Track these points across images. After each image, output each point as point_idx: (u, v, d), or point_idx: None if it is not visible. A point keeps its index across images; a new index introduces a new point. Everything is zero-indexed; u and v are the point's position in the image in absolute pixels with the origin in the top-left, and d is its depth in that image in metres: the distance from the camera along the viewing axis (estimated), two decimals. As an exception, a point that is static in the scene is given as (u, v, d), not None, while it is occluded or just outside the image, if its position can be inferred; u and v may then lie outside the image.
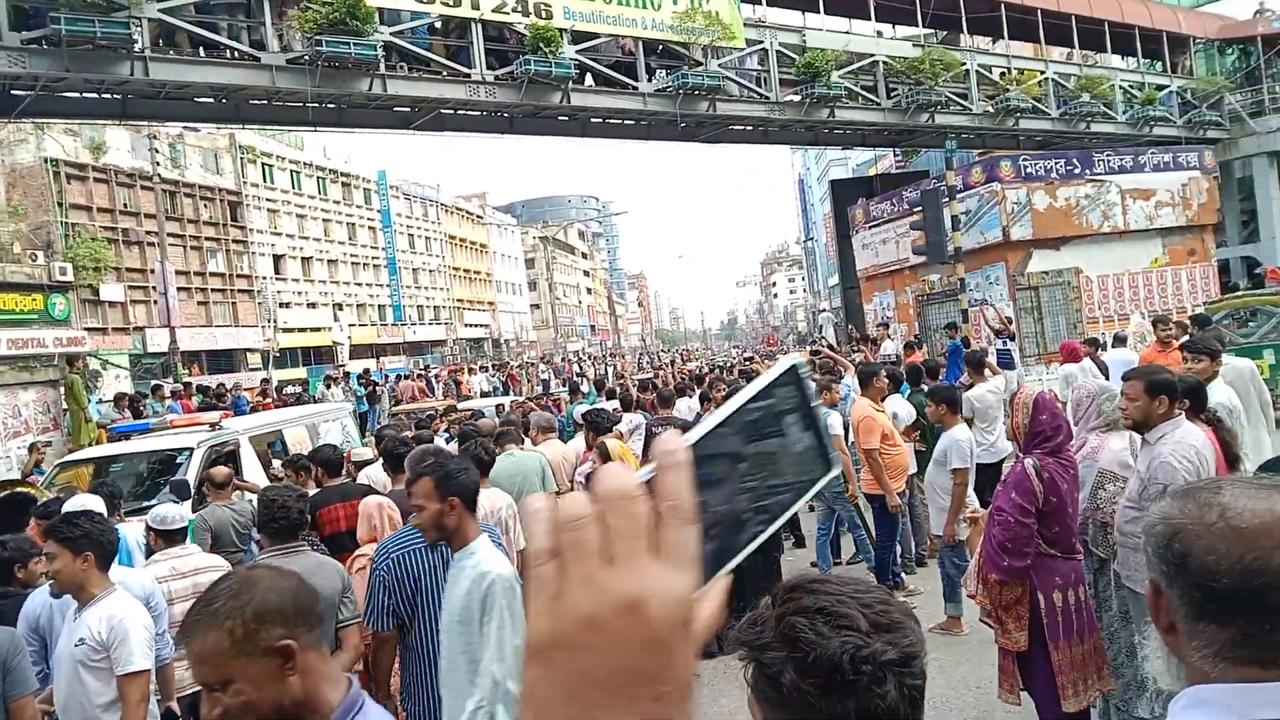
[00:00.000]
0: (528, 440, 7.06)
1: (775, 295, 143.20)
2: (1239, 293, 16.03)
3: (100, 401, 17.94)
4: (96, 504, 5.75)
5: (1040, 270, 15.82)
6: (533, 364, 38.47)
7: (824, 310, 29.48)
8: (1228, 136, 26.06)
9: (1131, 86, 24.73)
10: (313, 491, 6.52)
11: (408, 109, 17.19)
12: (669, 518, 0.52)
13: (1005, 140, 23.90)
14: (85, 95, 14.92)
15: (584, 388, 18.62)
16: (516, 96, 16.68)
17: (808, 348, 13.52)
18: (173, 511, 4.59)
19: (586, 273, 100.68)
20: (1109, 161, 16.61)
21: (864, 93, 20.61)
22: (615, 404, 9.79)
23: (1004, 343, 14.12)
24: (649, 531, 0.52)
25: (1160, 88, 25.08)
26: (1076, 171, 16.20)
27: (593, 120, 19.45)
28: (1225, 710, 1.03)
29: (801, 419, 0.63)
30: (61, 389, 14.33)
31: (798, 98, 19.25)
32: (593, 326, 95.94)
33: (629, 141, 22.26)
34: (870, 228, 19.21)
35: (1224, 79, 26.74)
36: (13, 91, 13.28)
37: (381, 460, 6.43)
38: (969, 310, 15.35)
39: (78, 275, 29.23)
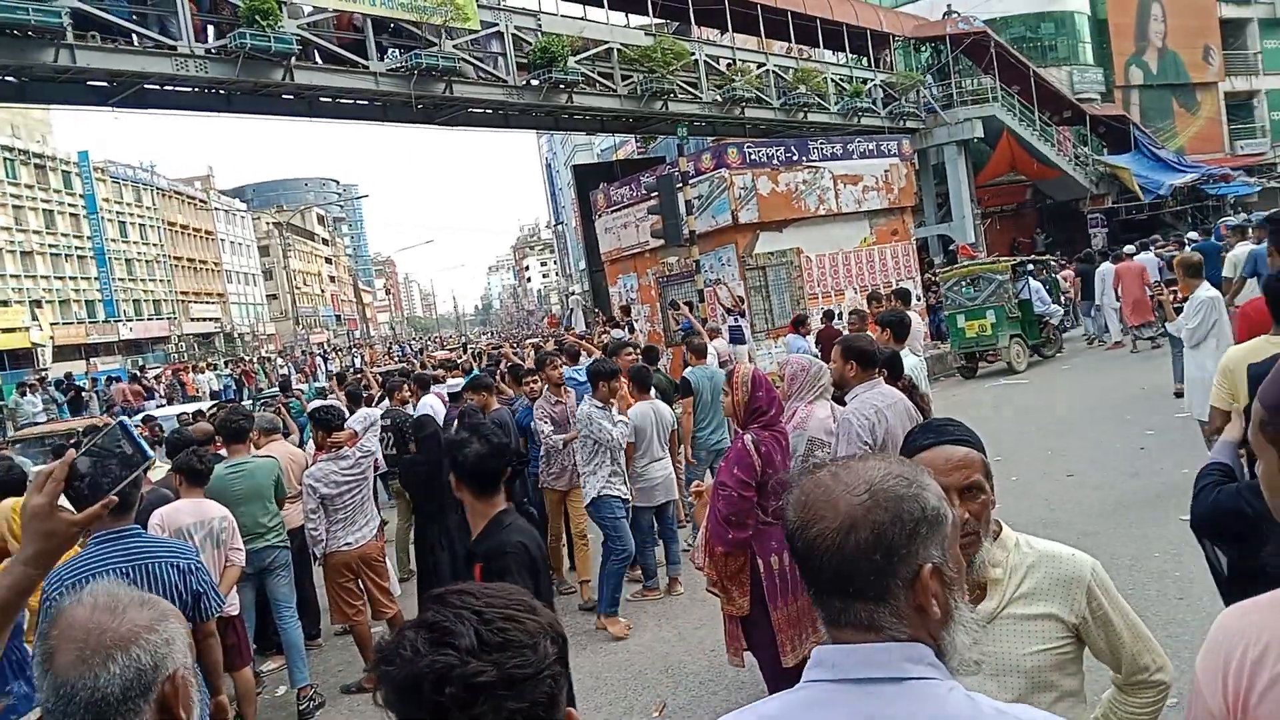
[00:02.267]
0: (250, 445, 6.56)
1: (529, 279, 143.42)
2: (968, 262, 18.08)
3: None
4: None
5: (766, 251, 16.82)
6: (268, 359, 36.08)
7: (574, 293, 29.85)
8: (923, 126, 28.98)
9: (841, 80, 26.86)
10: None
11: (105, 83, 15.43)
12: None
13: (733, 128, 25.21)
14: None
15: (303, 382, 17.68)
16: (232, 72, 15.42)
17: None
18: None
19: (329, 259, 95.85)
20: (823, 149, 17.92)
21: (601, 79, 20.94)
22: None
23: (735, 319, 14.92)
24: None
25: (865, 81, 27.43)
26: (795, 158, 17.34)
27: (322, 100, 18.37)
28: (830, 669, 1.16)
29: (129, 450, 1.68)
30: None
31: (536, 82, 19.23)
32: (338, 316, 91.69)
33: (365, 124, 21.31)
34: (612, 212, 19.57)
35: (919, 74, 29.69)
36: None
37: None
38: (704, 290, 16.07)
39: None
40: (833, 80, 26.37)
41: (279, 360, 34.70)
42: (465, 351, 22.43)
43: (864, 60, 29.02)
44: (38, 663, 1.27)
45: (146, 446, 1.74)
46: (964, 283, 16.18)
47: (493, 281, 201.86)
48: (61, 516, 1.60)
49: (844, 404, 4.68)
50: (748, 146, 17.57)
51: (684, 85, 22.54)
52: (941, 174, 30.10)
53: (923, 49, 31.65)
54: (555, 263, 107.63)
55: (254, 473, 6.02)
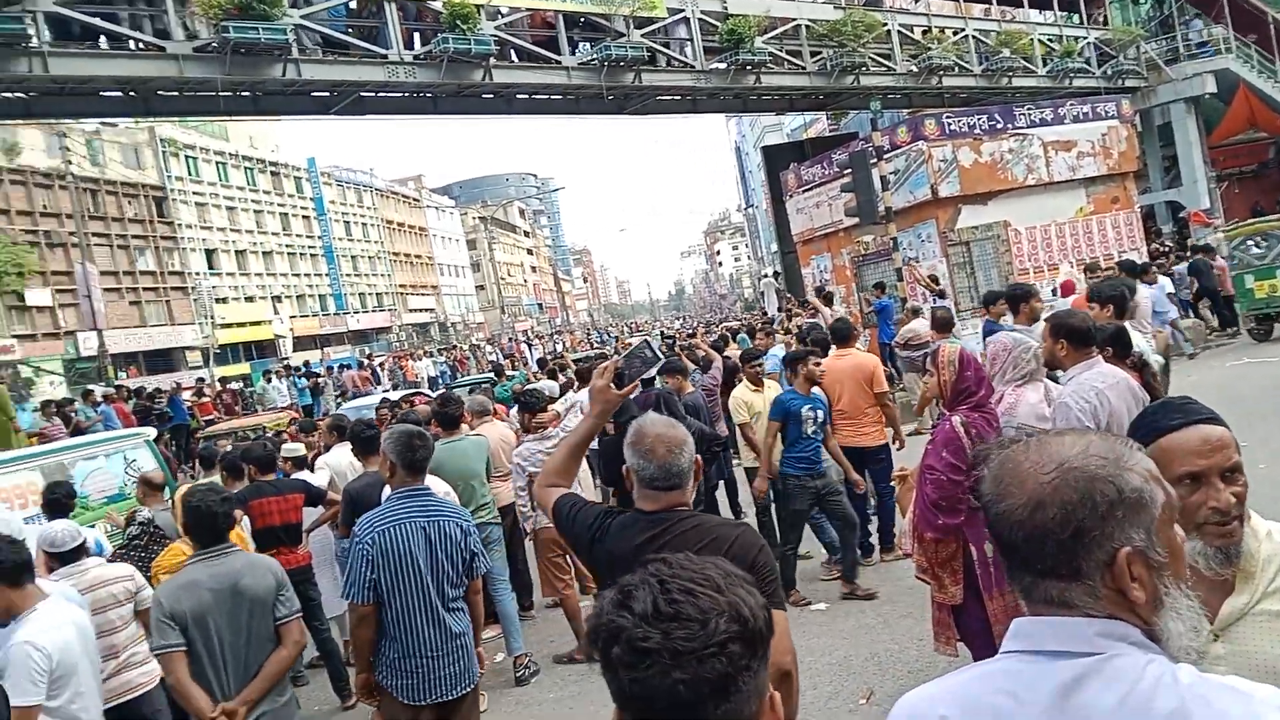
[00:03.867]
0: (465, 426, 6.97)
1: (720, 264, 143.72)
2: (1258, 219, 16.84)
3: (33, 410, 17.37)
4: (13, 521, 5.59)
5: (970, 225, 15.98)
6: (478, 346, 38.14)
7: (765, 276, 29.61)
8: (1145, 85, 26.57)
9: (1050, 40, 25.07)
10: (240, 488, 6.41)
11: (326, 93, 16.75)
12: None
13: (930, 99, 24.10)
14: (-15, 95, 14.29)
15: (513, 369, 18.50)
16: (437, 76, 16.35)
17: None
18: (62, 533, 4.43)
19: (530, 251, 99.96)
20: (1030, 115, 16.79)
21: (789, 57, 20.60)
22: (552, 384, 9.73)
23: (936, 300, 14.30)
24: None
25: (1077, 40, 25.45)
26: (999, 126, 16.34)
27: (518, 97, 19.15)
28: (1024, 640, 1.18)
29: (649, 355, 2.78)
30: (-12, 399, 13.83)
31: (723, 65, 19.17)
32: (540, 304, 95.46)
33: (559, 118, 22.02)
34: (803, 192, 19.24)
35: (1139, 28, 27.21)
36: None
37: (351, 445, 6.45)
38: (903, 269, 15.50)
39: (1, 281, 28.21)
40: (1040, 41, 24.67)
41: (488, 347, 36.59)
42: (663, 338, 22.77)
43: (1074, 18, 26.91)
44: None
45: (660, 354, 2.67)
46: (1252, 241, 14.95)
47: (685, 267, 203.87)
48: (612, 391, 2.62)
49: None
50: (946, 117, 16.75)
51: (876, 58, 21.78)
52: (1168, 135, 27.47)
53: (1141, 1, 28.99)
54: (746, 246, 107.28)
55: (466, 451, 6.39)
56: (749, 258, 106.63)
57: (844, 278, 18.25)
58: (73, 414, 15.19)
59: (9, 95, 14.45)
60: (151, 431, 10.51)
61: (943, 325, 8.71)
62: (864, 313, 16.66)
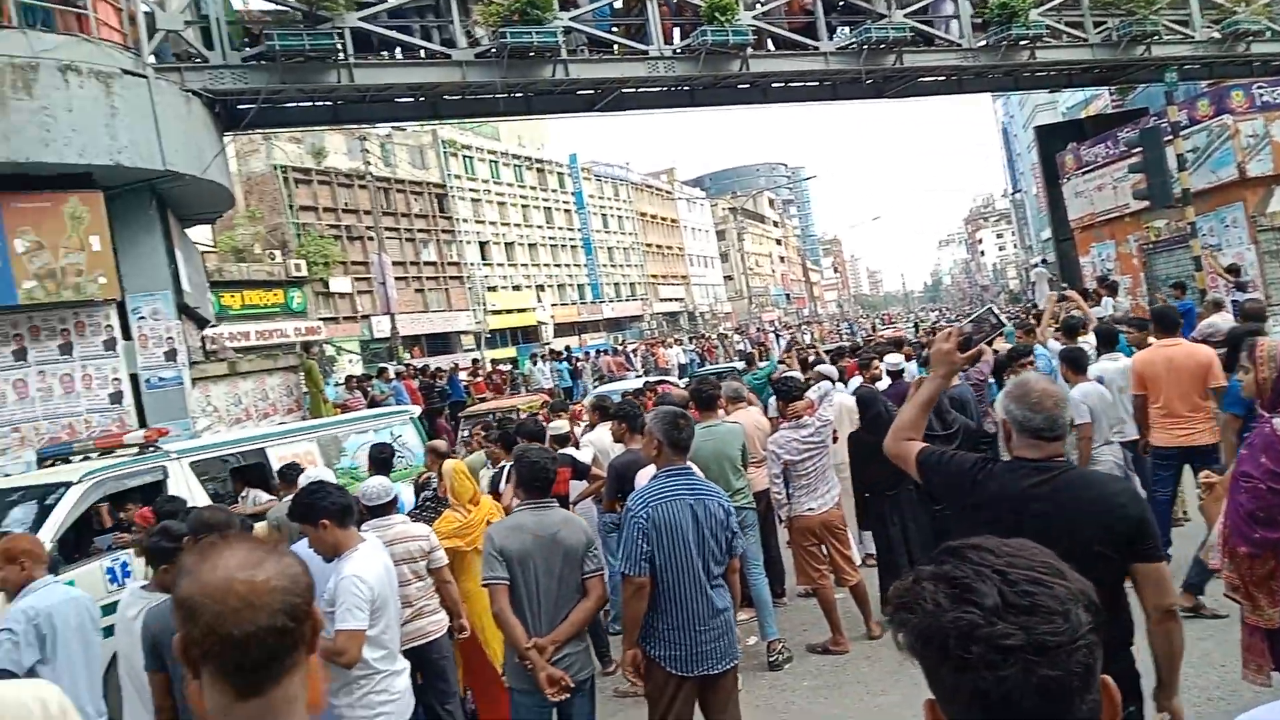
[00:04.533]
0: (719, 412, 7.05)
1: (982, 253, 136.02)
2: None
3: (336, 385, 19.61)
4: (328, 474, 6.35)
5: (1286, 208, 14.09)
6: (726, 335, 38.50)
7: (1036, 264, 27.59)
8: None
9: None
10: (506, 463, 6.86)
11: (591, 91, 17.52)
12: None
13: (1235, 68, 21.33)
14: (300, 105, 16.23)
15: (762, 359, 18.42)
16: (695, 69, 16.62)
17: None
18: (378, 488, 4.95)
19: (778, 241, 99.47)
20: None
21: (1068, 29, 19.01)
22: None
23: (1236, 292, 12.70)
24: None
25: None
26: (1324, 95, 14.29)
27: (774, 85, 19.06)
28: None
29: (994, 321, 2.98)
30: (301, 374, 15.84)
31: (992, 42, 18.03)
32: (788, 295, 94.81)
33: (814, 104, 21.69)
34: (1083, 174, 17.75)
35: None
36: (239, 106, 14.61)
37: (612, 424, 6.90)
38: (1201, 258, 13.93)
39: (310, 270, 32.03)
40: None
41: (735, 336, 36.87)
42: (917, 330, 21.89)
43: None
44: None
45: (1005, 321, 2.70)
46: None
47: (942, 256, 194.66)
48: (957, 354, 2.76)
49: None
50: (1257, 87, 14.87)
51: (1171, 25, 19.59)
52: None
53: None
54: (1012, 233, 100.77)
55: (722, 436, 6.46)
56: (1015, 246, 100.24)
57: (1130, 267, 16.70)
58: (369, 388, 16.96)
59: (320, 104, 16.33)
60: (416, 410, 11.56)
61: (1253, 317, 7.72)
62: (1152, 307, 15.13)
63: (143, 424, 11.40)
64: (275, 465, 7.65)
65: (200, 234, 22.39)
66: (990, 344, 4.38)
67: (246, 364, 15.48)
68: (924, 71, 19.17)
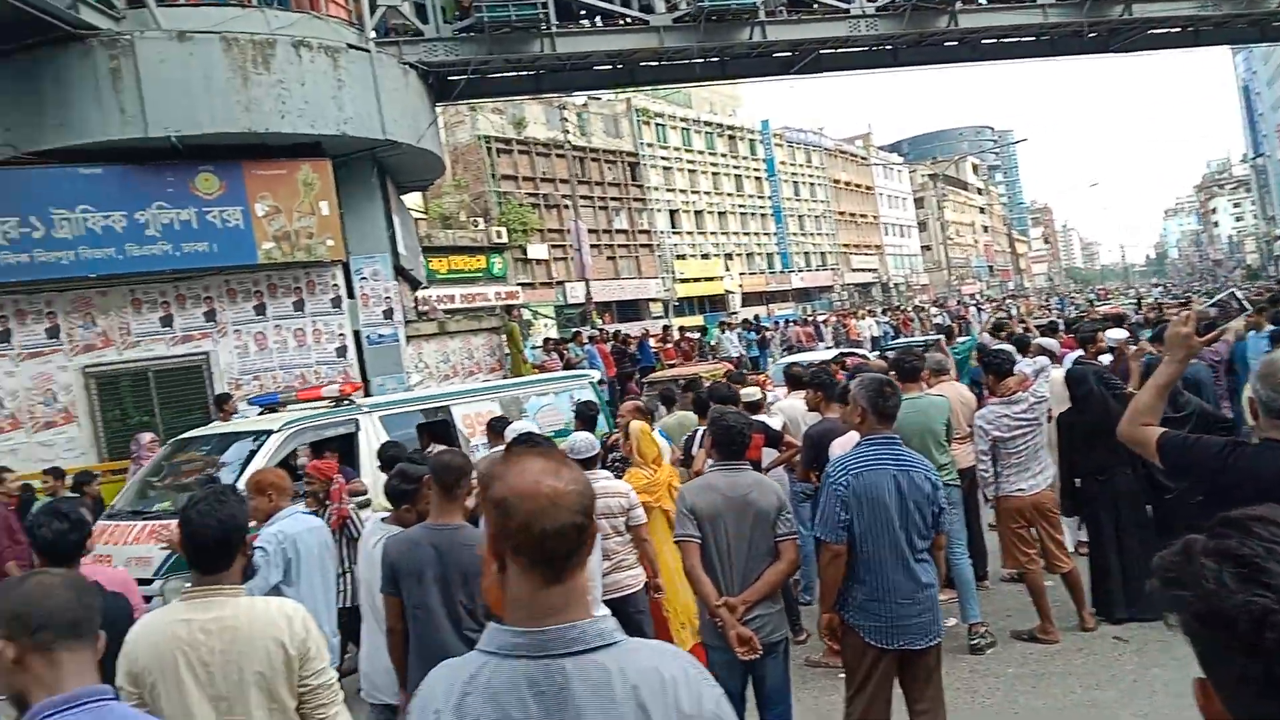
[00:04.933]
0: (922, 384, 6.77)
1: (1216, 224, 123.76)
2: None
3: (533, 347, 20.41)
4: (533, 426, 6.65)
5: None
6: (921, 308, 37.02)
7: (1278, 237, 24.79)
8: None
9: None
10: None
11: (787, 53, 17.17)
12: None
13: None
14: (505, 75, 16.83)
15: (962, 333, 17.50)
16: (899, 26, 15.93)
17: None
18: (583, 442, 5.08)
19: (982, 209, 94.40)
20: None
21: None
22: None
23: None
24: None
25: None
26: None
27: (984, 41, 17.96)
28: None
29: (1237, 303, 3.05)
30: (503, 335, 16.62)
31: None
32: (990, 267, 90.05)
33: (1028, 61, 20.28)
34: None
35: None
36: (449, 78, 15.32)
37: (807, 392, 6.88)
38: None
39: (510, 237, 33.38)
40: None
41: (933, 309, 35.37)
42: (1139, 306, 20.22)
43: None
44: None
45: (1248, 305, 2.75)
46: None
47: (1169, 227, 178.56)
48: (1195, 338, 2.62)
49: None
50: None
51: None
52: None
53: None
54: (1253, 202, 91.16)
55: (926, 409, 6.19)
56: (1255, 216, 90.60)
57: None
58: (565, 351, 17.54)
59: (524, 74, 16.87)
60: (596, 374, 11.83)
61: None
62: None
63: (364, 377, 12.33)
64: (459, 423, 8.15)
65: (412, 201, 23.79)
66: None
67: (454, 324, 16.41)
68: (1155, 22, 17.54)
